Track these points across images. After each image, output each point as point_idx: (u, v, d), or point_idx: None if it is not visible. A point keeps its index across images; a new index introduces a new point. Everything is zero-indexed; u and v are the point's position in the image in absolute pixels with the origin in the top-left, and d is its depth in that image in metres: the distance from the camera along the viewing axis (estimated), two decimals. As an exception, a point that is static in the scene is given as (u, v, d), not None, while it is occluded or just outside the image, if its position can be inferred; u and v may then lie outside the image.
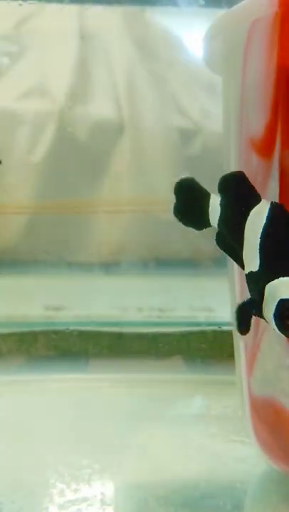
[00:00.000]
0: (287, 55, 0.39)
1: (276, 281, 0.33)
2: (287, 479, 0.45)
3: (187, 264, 0.72)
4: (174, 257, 0.71)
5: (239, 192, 0.35)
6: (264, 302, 0.33)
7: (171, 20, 0.74)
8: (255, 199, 0.35)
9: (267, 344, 0.42)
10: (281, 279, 0.33)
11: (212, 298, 0.70)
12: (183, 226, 0.38)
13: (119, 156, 0.74)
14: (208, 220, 0.36)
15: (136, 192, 0.74)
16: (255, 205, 0.34)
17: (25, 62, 0.74)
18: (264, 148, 0.40)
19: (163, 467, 0.48)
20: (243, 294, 0.45)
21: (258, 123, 0.41)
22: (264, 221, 0.34)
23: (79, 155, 0.73)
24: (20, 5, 0.70)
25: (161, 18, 0.74)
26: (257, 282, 0.34)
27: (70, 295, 0.71)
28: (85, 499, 0.43)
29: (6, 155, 0.73)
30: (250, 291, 0.35)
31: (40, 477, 0.46)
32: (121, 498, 0.44)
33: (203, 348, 0.68)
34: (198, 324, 0.70)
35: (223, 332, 0.67)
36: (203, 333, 0.69)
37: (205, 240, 0.71)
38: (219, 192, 0.36)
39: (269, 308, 0.33)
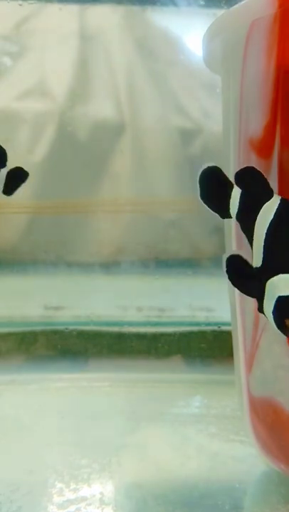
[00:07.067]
0: (286, 55, 0.39)
1: (276, 277, 0.32)
2: (286, 479, 0.45)
3: (187, 263, 0.72)
4: (173, 257, 0.71)
5: (252, 186, 0.35)
6: (265, 299, 0.33)
7: (171, 20, 0.74)
8: (268, 194, 0.34)
9: (266, 344, 0.43)
10: (281, 275, 0.32)
11: (212, 298, 0.70)
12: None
13: (120, 156, 0.74)
14: (229, 211, 0.36)
15: (136, 192, 0.74)
16: (268, 199, 0.34)
17: (25, 62, 0.73)
18: (263, 148, 0.41)
19: (162, 467, 0.48)
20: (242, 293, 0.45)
21: (257, 123, 0.41)
22: (272, 217, 0.33)
23: (79, 155, 0.73)
24: (21, 5, 0.70)
25: (161, 18, 0.74)
26: (259, 278, 0.33)
27: (70, 295, 0.71)
28: (84, 499, 0.43)
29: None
30: (253, 288, 0.34)
31: (39, 476, 0.46)
32: (120, 497, 0.44)
33: (203, 348, 0.68)
34: (198, 324, 0.70)
35: (222, 332, 0.67)
36: (202, 332, 0.69)
37: (205, 240, 0.72)
38: (236, 185, 0.36)
39: (269, 305, 0.32)
